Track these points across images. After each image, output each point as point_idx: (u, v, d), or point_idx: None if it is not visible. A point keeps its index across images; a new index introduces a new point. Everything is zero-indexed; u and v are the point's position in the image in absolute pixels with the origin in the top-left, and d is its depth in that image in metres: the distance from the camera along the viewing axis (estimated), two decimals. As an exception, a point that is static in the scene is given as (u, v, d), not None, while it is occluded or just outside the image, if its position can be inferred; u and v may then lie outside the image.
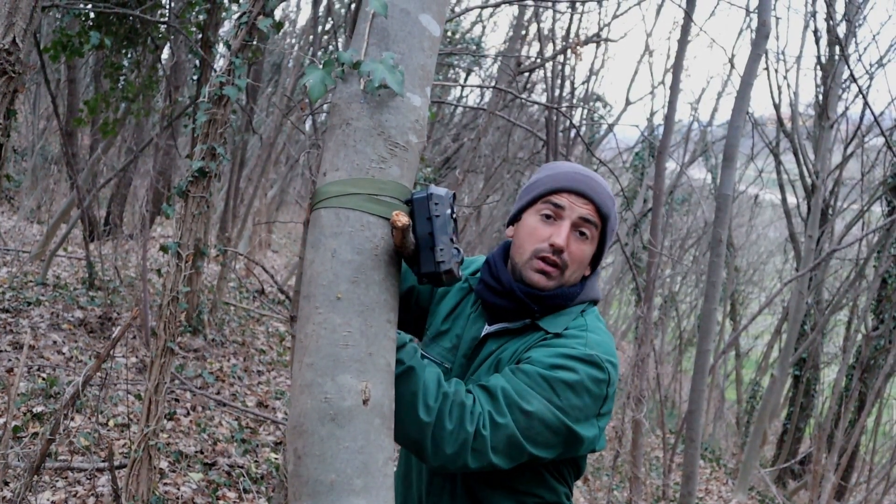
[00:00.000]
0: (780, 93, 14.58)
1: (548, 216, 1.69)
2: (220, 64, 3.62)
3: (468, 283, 1.87)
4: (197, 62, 5.66)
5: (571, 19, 9.91)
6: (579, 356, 1.58)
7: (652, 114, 13.77)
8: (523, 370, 1.56)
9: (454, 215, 1.45)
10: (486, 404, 1.51)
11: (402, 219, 1.35)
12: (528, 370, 1.56)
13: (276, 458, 5.13)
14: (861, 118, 10.98)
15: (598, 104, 13.41)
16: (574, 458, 1.70)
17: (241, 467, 4.80)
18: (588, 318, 1.71)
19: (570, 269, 1.68)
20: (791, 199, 12.40)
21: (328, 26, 10.04)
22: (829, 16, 9.87)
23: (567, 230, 1.67)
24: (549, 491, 1.70)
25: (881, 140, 10.62)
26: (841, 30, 9.61)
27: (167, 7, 6.34)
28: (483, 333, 1.76)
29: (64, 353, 5.72)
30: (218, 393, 6.04)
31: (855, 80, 4.40)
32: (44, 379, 5.07)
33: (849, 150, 11.32)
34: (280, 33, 14.71)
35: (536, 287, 1.68)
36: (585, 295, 1.75)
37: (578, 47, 5.94)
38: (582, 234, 1.68)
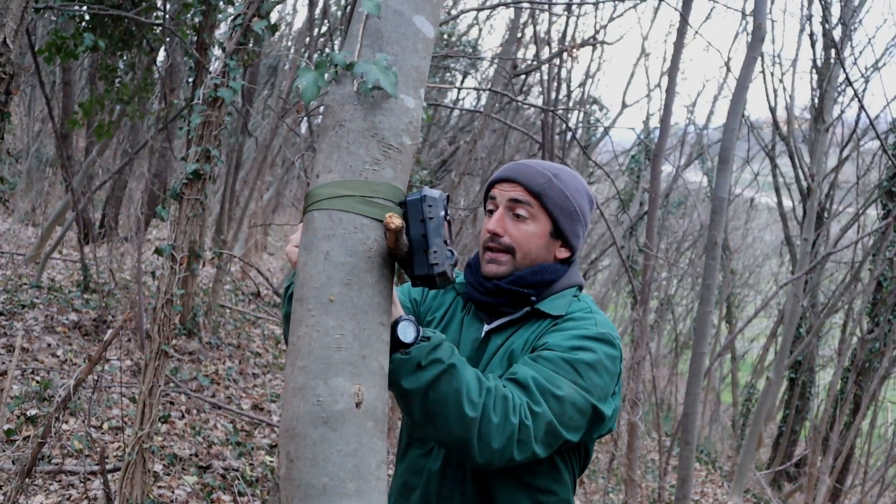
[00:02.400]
0: (775, 96, 14.66)
1: (490, 211, 1.78)
2: (215, 66, 3.61)
3: (454, 289, 1.90)
4: (192, 64, 5.64)
5: (568, 22, 9.93)
6: (594, 335, 1.64)
7: (648, 117, 13.77)
8: (545, 357, 1.59)
9: (448, 217, 1.45)
10: (521, 396, 1.52)
11: (396, 221, 1.35)
12: (549, 356, 1.59)
13: (271, 462, 5.11)
14: (856, 121, 11.01)
15: (595, 107, 13.44)
16: (586, 448, 1.75)
17: (236, 470, 4.78)
18: (587, 302, 1.77)
19: (520, 251, 1.73)
20: (787, 203, 12.43)
21: (324, 29, 10.04)
22: (825, 19, 9.90)
23: (499, 216, 1.74)
24: (561, 486, 1.73)
25: (877, 143, 10.64)
26: (836, 33, 9.63)
27: (162, 9, 6.32)
28: (484, 331, 1.78)
29: (58, 356, 5.71)
30: (213, 396, 6.03)
31: (850, 84, 4.41)
32: (38, 382, 5.06)
33: (844, 154, 11.35)
34: (276, 36, 14.72)
35: (492, 276, 1.74)
36: (570, 278, 1.79)
37: (574, 50, 5.94)
38: (518, 215, 1.73)
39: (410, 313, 1.89)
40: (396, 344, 1.46)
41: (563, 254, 1.78)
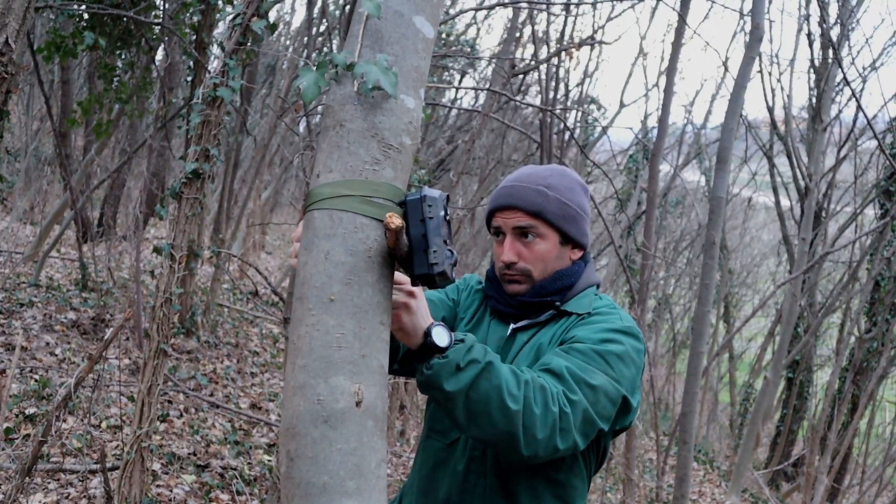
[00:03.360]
0: (773, 96, 14.64)
1: (497, 236, 1.84)
2: (214, 65, 3.61)
3: (484, 292, 1.95)
4: (191, 64, 5.64)
5: (566, 22, 9.94)
6: (621, 329, 1.70)
7: (646, 116, 13.76)
8: (575, 348, 1.65)
9: (448, 217, 1.45)
10: (557, 384, 1.56)
11: (396, 220, 1.35)
12: (580, 348, 1.64)
13: (269, 460, 5.12)
14: (854, 121, 11.02)
15: (593, 107, 13.44)
16: (603, 444, 1.79)
17: (235, 469, 4.79)
18: (608, 300, 1.84)
19: (536, 269, 1.79)
20: (784, 202, 12.44)
21: (322, 28, 10.04)
22: (823, 19, 9.90)
23: (509, 245, 1.79)
24: (580, 480, 1.77)
25: (874, 143, 10.66)
26: (834, 33, 9.65)
27: (161, 8, 6.32)
28: (510, 329, 1.83)
29: (57, 355, 5.71)
30: (211, 395, 6.03)
31: (848, 84, 4.42)
32: (36, 381, 5.06)
33: (842, 153, 11.37)
34: (275, 35, 14.71)
35: (515, 295, 1.81)
36: (588, 277, 1.85)
37: (573, 50, 5.95)
38: (527, 238, 1.79)
39: (450, 311, 1.95)
40: (432, 349, 1.51)
41: (576, 255, 1.85)
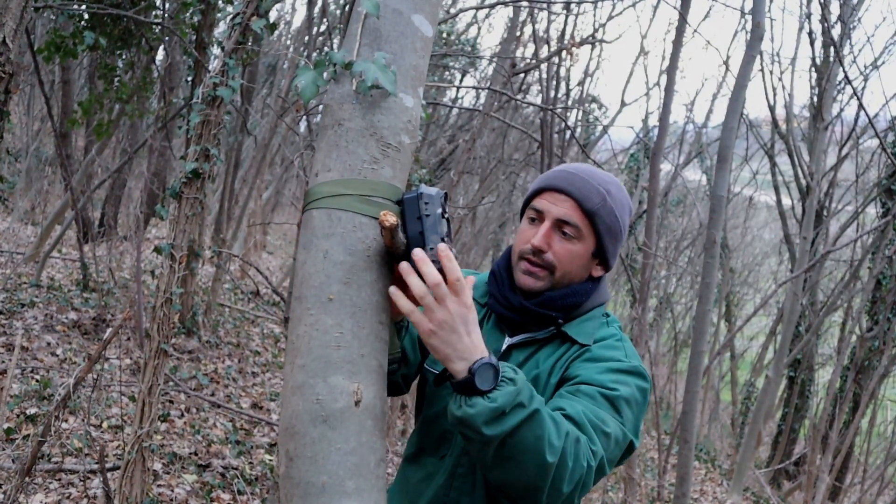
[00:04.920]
0: (774, 94, 14.65)
1: (532, 219, 1.69)
2: (214, 65, 3.61)
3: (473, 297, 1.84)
4: (191, 63, 5.64)
5: (566, 21, 9.94)
6: (627, 369, 1.60)
7: (647, 115, 13.76)
8: (584, 392, 1.54)
9: (446, 215, 1.44)
10: (582, 435, 1.46)
11: (390, 219, 1.34)
12: (588, 391, 1.54)
13: (270, 460, 5.12)
14: (856, 120, 11.01)
15: (594, 106, 13.44)
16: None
17: (236, 469, 4.79)
18: (616, 328, 1.73)
19: (560, 269, 1.66)
20: (786, 201, 12.43)
21: (323, 28, 10.04)
22: (824, 18, 9.90)
23: (545, 231, 1.65)
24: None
25: (876, 142, 10.64)
26: (835, 31, 9.63)
27: (161, 8, 6.32)
28: (506, 345, 1.72)
29: (58, 355, 5.71)
30: (212, 394, 6.03)
31: (849, 82, 4.41)
32: (37, 381, 5.06)
33: (843, 152, 11.36)
34: (275, 35, 14.71)
35: (526, 290, 1.67)
36: (600, 296, 1.74)
37: (573, 49, 5.94)
38: (564, 233, 1.65)
39: None
40: (472, 388, 1.34)
41: (598, 272, 1.73)
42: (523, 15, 8.18)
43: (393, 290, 1.38)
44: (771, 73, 15.23)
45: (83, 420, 4.69)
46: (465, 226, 9.69)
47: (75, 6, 5.79)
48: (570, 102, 11.16)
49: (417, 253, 1.36)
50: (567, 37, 9.75)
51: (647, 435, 10.97)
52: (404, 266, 1.37)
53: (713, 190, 4.22)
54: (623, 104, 13.66)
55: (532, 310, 1.67)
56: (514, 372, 1.38)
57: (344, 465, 1.29)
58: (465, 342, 1.35)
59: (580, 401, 1.52)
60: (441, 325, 1.34)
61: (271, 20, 3.86)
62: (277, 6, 15.08)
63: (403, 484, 1.80)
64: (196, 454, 4.87)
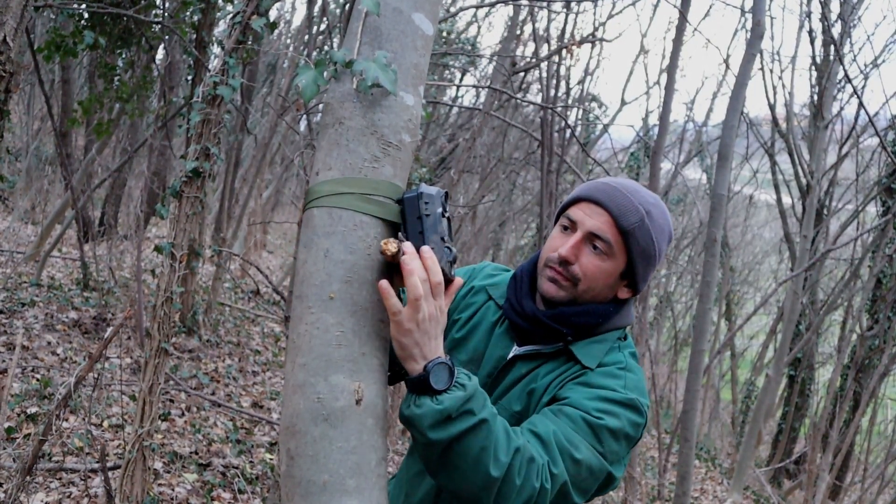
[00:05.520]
0: (775, 93, 14.65)
1: (565, 227, 1.64)
2: (214, 64, 3.61)
3: (487, 291, 1.80)
4: (191, 62, 5.64)
5: (566, 19, 9.93)
6: (620, 400, 1.53)
7: (647, 114, 13.77)
8: (566, 413, 1.50)
9: (446, 214, 1.44)
10: (543, 454, 1.43)
11: (391, 247, 1.34)
12: (571, 414, 1.50)
13: (271, 459, 5.12)
14: (856, 118, 11.02)
15: (594, 104, 13.45)
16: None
17: (236, 468, 4.79)
18: (625, 355, 1.66)
19: (584, 283, 1.61)
20: (786, 200, 12.44)
21: (323, 27, 10.03)
22: (824, 16, 9.90)
23: (575, 242, 1.60)
24: None
25: (876, 140, 10.64)
26: (836, 30, 9.63)
27: (161, 7, 6.32)
28: (512, 355, 1.68)
29: (58, 355, 5.71)
30: (213, 393, 6.03)
31: (850, 81, 4.41)
32: (38, 380, 5.06)
33: (844, 151, 11.37)
34: (275, 33, 14.70)
35: (548, 298, 1.63)
36: (621, 319, 1.67)
37: (573, 47, 5.94)
38: (595, 247, 1.59)
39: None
40: (424, 387, 1.35)
41: (624, 294, 1.67)
42: (523, 13, 8.20)
43: (384, 284, 1.34)
44: (771, 71, 15.28)
45: (84, 419, 4.70)
46: (465, 225, 9.69)
47: (75, 5, 5.78)
48: (570, 101, 11.16)
49: (408, 247, 1.35)
50: (567, 35, 9.75)
51: (648, 434, 10.98)
52: (384, 291, 1.34)
53: (713, 188, 4.22)
54: (623, 103, 13.70)
55: (542, 321, 1.62)
56: (468, 378, 1.38)
57: (345, 463, 1.29)
58: (432, 345, 1.36)
59: (558, 421, 1.49)
60: (418, 324, 1.34)
61: (271, 19, 3.85)
62: (277, 5, 15.07)
63: (405, 475, 1.80)
64: (197, 453, 4.87)
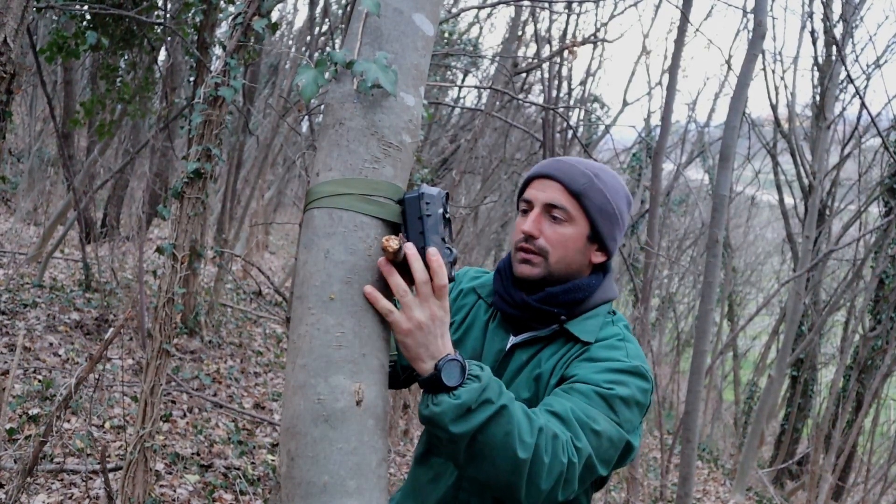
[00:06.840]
0: (777, 93, 14.69)
1: (525, 211, 1.70)
2: (216, 65, 3.61)
3: (476, 291, 1.83)
4: (193, 63, 5.64)
5: (568, 20, 9.93)
6: (627, 369, 1.58)
7: (649, 114, 13.74)
8: (577, 390, 1.53)
9: (447, 215, 1.44)
10: (565, 431, 1.45)
11: (392, 244, 1.35)
12: (583, 389, 1.53)
13: (272, 460, 5.12)
14: (858, 119, 11.00)
15: (596, 105, 13.43)
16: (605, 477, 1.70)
17: (238, 469, 4.79)
18: (620, 328, 1.71)
19: (554, 254, 1.65)
20: (788, 200, 12.43)
21: (325, 27, 10.04)
22: (826, 16, 9.88)
23: (535, 216, 1.65)
24: (584, 496, 1.69)
25: (878, 141, 10.64)
26: (838, 30, 9.62)
27: (163, 8, 6.32)
28: (510, 344, 1.71)
29: (60, 355, 5.71)
30: (214, 395, 6.03)
31: (852, 81, 4.41)
32: (40, 381, 5.06)
33: (846, 151, 11.35)
34: (277, 35, 14.72)
35: (524, 278, 1.67)
36: (605, 292, 1.72)
37: (575, 48, 5.94)
38: (555, 217, 1.65)
39: None
40: (438, 385, 1.37)
41: (598, 258, 1.71)
42: (525, 14, 8.19)
43: (369, 290, 1.37)
44: (773, 72, 15.20)
45: (85, 420, 4.70)
46: (466, 225, 9.69)
47: (77, 6, 5.79)
48: (571, 102, 11.16)
49: (410, 248, 1.37)
50: (569, 36, 9.75)
51: (650, 435, 10.96)
52: (384, 267, 1.38)
53: (715, 189, 4.21)
54: (625, 103, 13.70)
55: (534, 306, 1.66)
56: (480, 369, 1.40)
57: (345, 464, 1.29)
58: (438, 344, 1.38)
59: (571, 398, 1.52)
60: (419, 326, 1.37)
61: (273, 20, 3.85)
62: (279, 6, 15.09)
63: (413, 485, 1.80)
64: (198, 454, 4.87)
